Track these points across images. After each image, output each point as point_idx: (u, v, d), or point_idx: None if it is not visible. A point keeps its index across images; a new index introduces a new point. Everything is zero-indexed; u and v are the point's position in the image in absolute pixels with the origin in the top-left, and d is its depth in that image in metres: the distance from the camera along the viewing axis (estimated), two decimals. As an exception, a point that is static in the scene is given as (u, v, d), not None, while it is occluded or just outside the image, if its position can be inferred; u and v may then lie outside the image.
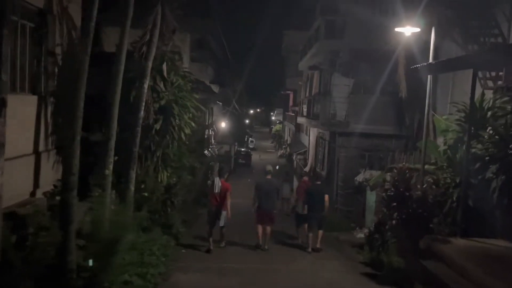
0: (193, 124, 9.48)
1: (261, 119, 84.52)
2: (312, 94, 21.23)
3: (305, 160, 24.56)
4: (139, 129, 8.15)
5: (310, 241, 9.84)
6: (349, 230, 13.16)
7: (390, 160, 13.35)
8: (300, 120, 23.18)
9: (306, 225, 10.05)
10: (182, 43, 20.00)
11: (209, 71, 26.41)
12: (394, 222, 7.84)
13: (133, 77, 8.44)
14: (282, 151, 43.81)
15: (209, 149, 19.69)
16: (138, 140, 8.18)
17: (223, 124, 25.69)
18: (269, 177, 10.10)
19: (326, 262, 9.27)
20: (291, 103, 37.10)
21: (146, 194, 9.17)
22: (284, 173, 19.44)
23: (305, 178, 11.90)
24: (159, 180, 9.68)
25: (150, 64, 8.11)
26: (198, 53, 23.27)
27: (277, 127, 55.02)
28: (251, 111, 75.57)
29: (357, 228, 12.95)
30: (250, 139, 52.41)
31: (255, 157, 39.70)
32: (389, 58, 13.81)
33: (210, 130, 20.73)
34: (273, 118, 66.59)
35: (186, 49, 20.63)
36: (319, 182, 10.78)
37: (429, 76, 8.63)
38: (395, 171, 8.12)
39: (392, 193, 7.87)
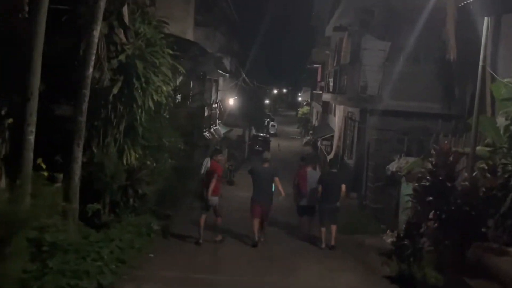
0: (164, 89, 8.29)
1: (287, 101, 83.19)
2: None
3: (332, 146, 23.21)
4: (86, 91, 7.05)
5: (324, 236, 9.92)
6: (378, 233, 11.84)
7: (433, 144, 12.01)
8: (326, 97, 21.80)
9: (307, 218, 10.39)
10: (184, 1, 18.98)
11: (217, 38, 25.27)
12: (430, 223, 6.50)
13: (84, 23, 7.34)
14: (308, 137, 42.47)
15: (211, 131, 18.59)
16: (85, 106, 7.08)
17: (231, 102, 24.47)
18: (266, 165, 10.22)
19: (339, 276, 8.07)
20: (319, 78, 35.54)
21: (106, 179, 8.13)
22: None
23: (303, 164, 11.23)
24: (125, 162, 8.60)
25: (102, 4, 6.95)
26: (205, 16, 22.22)
27: (304, 109, 53.60)
28: (275, 91, 74.23)
29: (388, 230, 11.61)
30: (271, 123, 51.20)
31: (274, 144, 38.41)
32: (435, 16, 12.35)
33: (214, 108, 19.64)
34: (299, 99, 65.08)
35: (189, 10, 19.55)
36: (334, 170, 10.63)
37: (485, 21, 7.14)
38: (434, 152, 6.74)
39: (427, 183, 6.51)
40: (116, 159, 8.39)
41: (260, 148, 36.30)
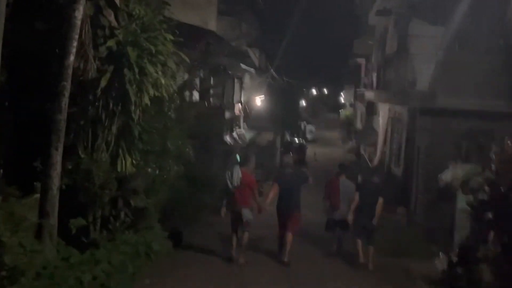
0: (162, 82, 7.79)
1: (328, 103, 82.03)
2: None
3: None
4: (66, 84, 6.64)
5: (361, 250, 9.81)
6: (429, 256, 10.98)
7: (496, 149, 11.14)
8: (369, 95, 20.98)
9: (339, 233, 10.36)
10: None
11: (244, 29, 24.87)
12: (490, 247, 5.73)
13: (65, 2, 6.96)
14: (352, 143, 41.39)
15: (233, 135, 18.10)
16: (64, 102, 6.66)
17: (259, 102, 23.87)
18: (290, 170, 10.67)
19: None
20: (362, 74, 34.56)
21: (94, 189, 7.71)
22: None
23: (337, 172, 11.05)
24: (119, 169, 8.16)
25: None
26: (231, 6, 21.94)
27: (347, 111, 52.37)
28: (314, 91, 73.24)
29: (440, 254, 10.74)
30: (309, 127, 50.10)
31: (312, 152, 37.47)
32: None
33: (239, 109, 19.14)
34: (342, 99, 63.95)
35: (212, -2, 19.21)
36: (376, 181, 10.46)
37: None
38: (495, 158, 5.97)
39: (486, 197, 5.75)
40: (107, 165, 7.96)
41: (295, 157, 35.43)
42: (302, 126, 49.90)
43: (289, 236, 9.75)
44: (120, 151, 8.21)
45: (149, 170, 9.12)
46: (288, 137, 39.87)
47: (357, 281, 9.15)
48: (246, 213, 9.67)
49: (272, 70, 26.31)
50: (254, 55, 26.35)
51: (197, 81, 15.40)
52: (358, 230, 9.89)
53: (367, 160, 19.34)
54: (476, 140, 13.13)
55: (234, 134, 18.47)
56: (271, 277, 9.38)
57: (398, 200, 15.91)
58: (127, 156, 8.24)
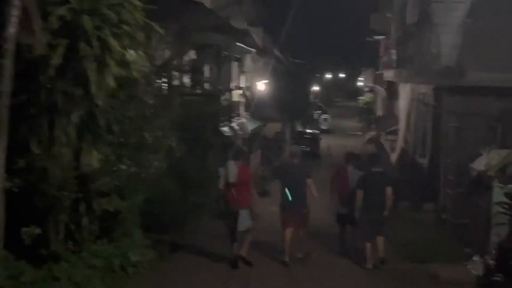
0: (128, 58, 7.14)
1: (345, 89, 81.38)
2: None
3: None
4: (6, 62, 6.03)
5: (369, 253, 9.73)
6: (461, 260, 10.33)
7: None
8: (388, 75, 20.26)
9: (349, 228, 10.37)
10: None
11: (245, 7, 24.29)
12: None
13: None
14: (372, 133, 40.69)
15: (232, 125, 17.50)
16: (5, 85, 6.05)
17: (262, 88, 23.13)
18: (295, 160, 10.29)
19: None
20: (381, 53, 33.72)
21: (51, 191, 7.12)
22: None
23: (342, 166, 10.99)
24: (84, 166, 7.55)
25: None
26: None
27: (367, 97, 51.57)
28: (329, 76, 72.52)
29: (474, 257, 10.07)
30: (323, 116, 49.51)
31: (327, 144, 36.75)
32: None
33: (240, 95, 18.48)
34: (360, 84, 63.13)
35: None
36: (379, 170, 10.07)
37: None
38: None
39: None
40: (69, 162, 7.37)
41: (308, 149, 34.72)
42: (316, 115, 49.36)
43: (302, 232, 9.87)
44: (84, 144, 7.59)
45: (123, 167, 8.49)
46: (299, 128, 39.24)
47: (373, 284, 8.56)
48: (245, 217, 9.39)
49: (277, 51, 25.53)
50: (257, 35, 25.70)
51: (186, 63, 14.76)
52: (367, 230, 9.81)
53: (388, 151, 18.67)
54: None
55: (234, 124, 17.83)
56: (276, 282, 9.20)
57: (425, 196, 15.25)
58: (92, 150, 7.61)
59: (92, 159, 7.61)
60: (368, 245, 9.71)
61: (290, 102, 30.02)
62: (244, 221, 9.38)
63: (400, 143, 15.95)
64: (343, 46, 62.00)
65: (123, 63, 7.14)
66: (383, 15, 26.60)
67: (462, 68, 13.23)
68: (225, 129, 16.64)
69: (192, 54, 16.82)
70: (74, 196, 7.16)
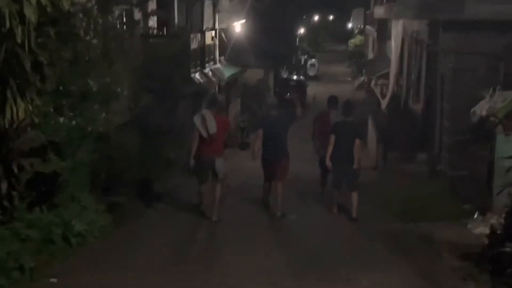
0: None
1: (334, 32, 79.78)
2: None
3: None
4: None
5: (335, 200, 9.95)
6: (459, 218, 9.55)
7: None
8: (379, 12, 19.10)
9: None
10: None
11: None
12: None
13: None
14: (362, 78, 39.81)
15: (205, 71, 16.45)
16: None
17: (240, 29, 21.83)
18: (275, 113, 10.24)
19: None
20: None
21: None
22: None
23: (324, 111, 11.08)
24: (7, 122, 6.54)
25: None
26: None
27: (357, 40, 50.54)
28: (316, 18, 70.74)
29: (475, 214, 9.30)
30: (310, 61, 48.34)
31: (314, 92, 35.74)
32: None
33: (212, 37, 17.30)
34: (350, 25, 61.74)
35: None
36: (350, 119, 9.79)
37: None
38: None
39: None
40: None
41: (293, 97, 33.74)
42: (302, 61, 48.26)
43: (279, 187, 9.74)
44: (9, 93, 6.55)
45: (61, 119, 7.50)
46: (284, 75, 38.19)
47: (360, 253, 7.73)
48: (220, 165, 9.36)
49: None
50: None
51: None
52: (337, 179, 9.90)
53: (378, 95, 17.75)
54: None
55: (207, 70, 16.74)
56: (251, 236, 8.68)
57: (418, 145, 14.42)
58: (18, 100, 6.58)
59: (19, 111, 6.61)
60: (335, 192, 9.89)
61: (273, 46, 28.87)
62: (221, 168, 9.34)
63: (391, 87, 15.02)
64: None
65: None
66: None
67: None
68: (197, 76, 15.57)
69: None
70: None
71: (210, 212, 9.38)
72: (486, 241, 6.07)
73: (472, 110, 9.72)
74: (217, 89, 19.46)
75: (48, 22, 6.55)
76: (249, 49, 24.43)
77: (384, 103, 15.03)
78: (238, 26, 21.65)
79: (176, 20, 16.04)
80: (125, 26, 11.91)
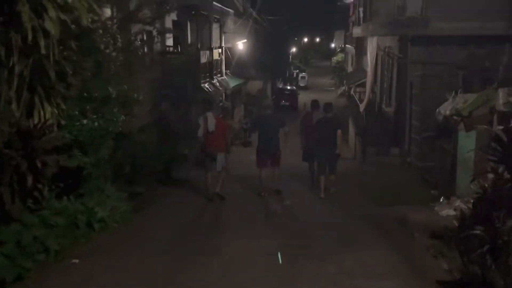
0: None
1: (321, 51, 79.07)
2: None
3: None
4: None
5: (322, 186, 9.63)
6: (427, 202, 8.96)
7: (501, 77, 9.06)
8: (356, 32, 18.50)
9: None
10: None
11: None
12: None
13: None
14: (343, 88, 39.26)
15: (213, 82, 15.89)
16: None
17: (242, 48, 21.30)
18: (269, 112, 10.17)
19: (361, 282, 5.29)
20: (351, 13, 31.63)
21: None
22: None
23: (309, 110, 10.96)
24: (36, 122, 6.00)
25: None
26: None
27: (338, 57, 49.77)
28: (305, 40, 70.11)
29: (441, 199, 8.74)
30: (301, 74, 47.89)
31: (304, 99, 35.18)
32: None
33: (219, 54, 16.74)
34: (333, 45, 61.05)
35: None
36: (330, 115, 9.75)
37: None
38: None
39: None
40: (17, 118, 5.81)
41: (287, 103, 33.26)
42: (295, 74, 47.86)
43: (276, 170, 9.71)
44: (37, 98, 6.01)
45: (85, 121, 6.96)
46: (280, 85, 37.70)
47: (341, 234, 7.15)
48: (220, 159, 9.18)
49: (256, 15, 23.47)
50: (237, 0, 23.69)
51: (166, 23, 13.05)
52: (321, 165, 9.70)
53: (357, 100, 17.16)
54: (476, 67, 10.93)
55: (215, 80, 16.17)
56: (248, 213, 8.59)
57: (391, 141, 13.90)
58: (46, 105, 6.04)
59: (46, 114, 6.07)
60: (322, 178, 9.59)
61: (271, 62, 28.38)
62: (220, 162, 9.14)
63: (367, 94, 14.44)
64: (318, 12, 59.43)
65: (65, 7, 5.48)
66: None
67: (426, 18, 11.66)
68: (207, 85, 15.00)
69: (173, 16, 15.10)
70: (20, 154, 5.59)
71: (212, 191, 9.27)
72: (454, 222, 5.46)
73: (437, 110, 9.16)
74: (224, 96, 18.88)
75: (70, 36, 5.99)
76: (251, 63, 23.87)
77: (362, 107, 14.44)
78: (241, 45, 21.07)
79: (189, 39, 15.45)
80: (144, 43, 11.40)
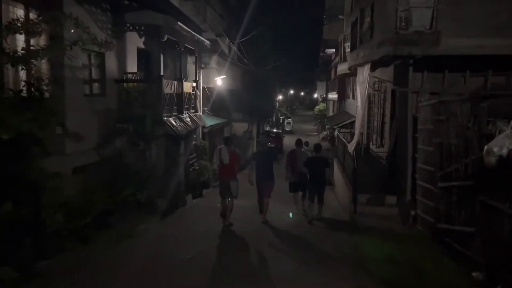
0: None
1: (305, 103, 76.19)
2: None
3: (352, 134, 15.90)
4: None
5: (310, 212, 9.00)
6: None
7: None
8: (342, 68, 14.43)
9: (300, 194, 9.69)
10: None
11: (209, 15, 18.44)
12: None
13: None
14: (325, 132, 35.46)
15: (182, 117, 11.64)
16: None
17: (224, 86, 17.02)
18: (264, 148, 9.50)
19: None
20: (333, 57, 27.85)
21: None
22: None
23: (293, 149, 9.61)
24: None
25: None
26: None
27: (320, 106, 46.46)
28: (291, 91, 66.73)
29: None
30: (287, 120, 44.20)
31: (289, 142, 31.09)
32: None
33: (192, 88, 12.60)
34: (316, 95, 57.79)
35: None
36: (319, 155, 9.04)
37: None
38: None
39: None
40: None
41: (273, 145, 29.18)
42: (281, 120, 44.68)
43: (266, 201, 8.85)
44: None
45: None
46: (266, 128, 33.92)
47: None
48: (234, 186, 8.38)
49: (244, 59, 19.52)
50: (223, 42, 19.78)
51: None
52: (311, 194, 9.04)
53: (344, 140, 12.94)
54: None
55: (185, 116, 11.89)
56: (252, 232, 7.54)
57: (385, 188, 9.47)
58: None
59: None
60: (311, 205, 9.00)
61: (257, 106, 24.57)
62: (234, 189, 8.38)
63: (357, 132, 10.25)
64: (301, 69, 56.10)
65: None
66: (335, 21, 20.62)
67: (436, 33, 7.61)
68: (171, 120, 10.72)
69: (139, 43, 11.05)
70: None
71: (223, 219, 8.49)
72: None
73: (486, 148, 4.80)
74: (200, 134, 14.58)
75: None
76: (237, 105, 19.86)
77: (351, 147, 10.11)
78: (224, 84, 16.92)
79: (161, 70, 11.32)
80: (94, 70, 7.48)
